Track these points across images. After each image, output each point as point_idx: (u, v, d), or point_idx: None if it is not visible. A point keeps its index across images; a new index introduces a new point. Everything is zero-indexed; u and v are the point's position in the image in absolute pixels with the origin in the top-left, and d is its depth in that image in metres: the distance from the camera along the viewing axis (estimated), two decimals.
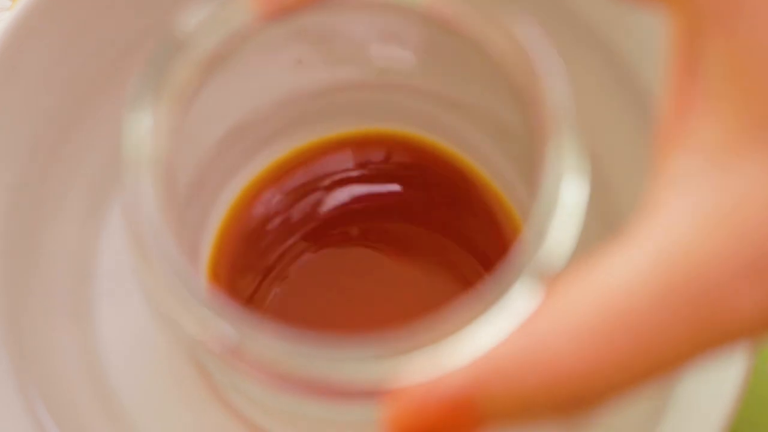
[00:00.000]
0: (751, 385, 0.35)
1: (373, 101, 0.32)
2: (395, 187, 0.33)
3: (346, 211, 0.32)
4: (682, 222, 0.20)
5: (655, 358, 0.20)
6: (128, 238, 0.23)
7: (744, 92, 0.20)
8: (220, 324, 0.22)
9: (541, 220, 0.22)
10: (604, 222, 0.31)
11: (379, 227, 0.32)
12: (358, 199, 0.32)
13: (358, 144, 0.32)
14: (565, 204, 0.22)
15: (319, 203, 0.32)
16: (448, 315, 0.21)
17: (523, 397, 0.21)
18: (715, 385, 0.28)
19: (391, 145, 0.32)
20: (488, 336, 0.21)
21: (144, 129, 0.24)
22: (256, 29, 0.25)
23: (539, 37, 0.23)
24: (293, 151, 0.32)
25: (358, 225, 0.32)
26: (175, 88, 0.24)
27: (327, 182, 0.32)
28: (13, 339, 0.30)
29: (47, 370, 0.31)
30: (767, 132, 0.20)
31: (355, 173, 0.32)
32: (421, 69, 0.30)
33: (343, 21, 0.29)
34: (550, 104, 0.23)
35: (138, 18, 0.31)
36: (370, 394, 0.21)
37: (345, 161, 0.32)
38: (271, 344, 0.21)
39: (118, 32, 0.31)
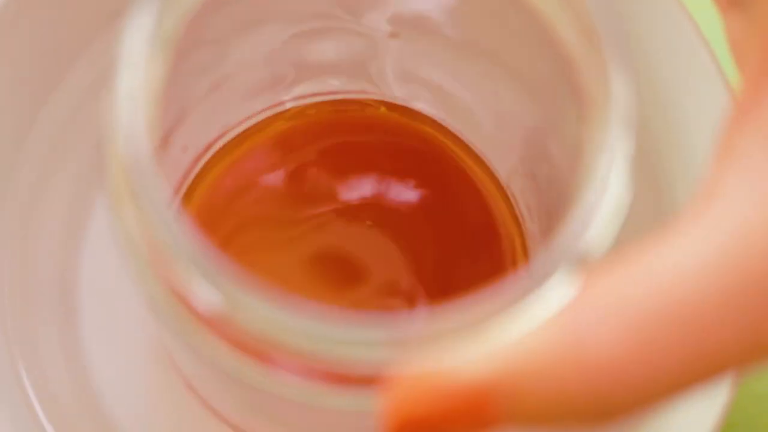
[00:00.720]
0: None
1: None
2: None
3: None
4: (749, 213, 0.18)
5: (707, 361, 0.18)
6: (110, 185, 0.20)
7: None
8: (206, 285, 0.19)
9: (586, 209, 0.19)
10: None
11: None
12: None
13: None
14: (612, 195, 0.20)
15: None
16: (474, 301, 0.18)
17: (557, 400, 0.17)
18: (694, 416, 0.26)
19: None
20: (518, 327, 0.18)
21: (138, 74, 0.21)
22: None
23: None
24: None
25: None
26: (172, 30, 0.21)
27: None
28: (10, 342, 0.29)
29: (33, 369, 0.29)
30: None
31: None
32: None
33: None
34: (608, 92, 0.20)
35: None
36: (371, 380, 0.18)
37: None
38: (264, 313, 0.18)
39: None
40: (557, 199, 0.26)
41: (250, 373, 0.20)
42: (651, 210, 0.29)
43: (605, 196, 0.20)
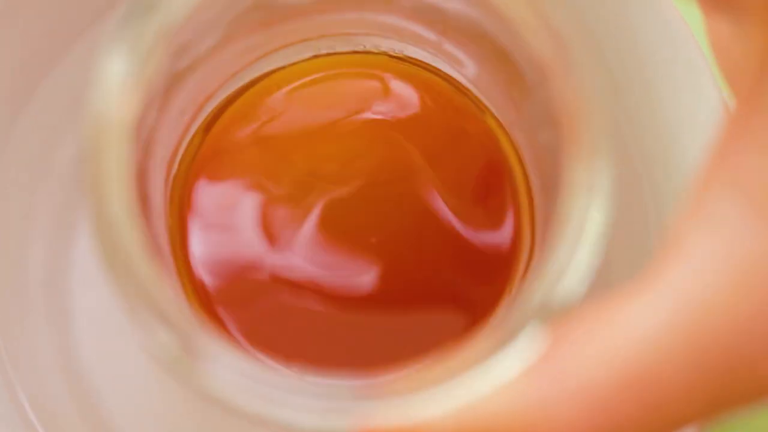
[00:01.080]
0: None
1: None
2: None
3: None
4: (711, 271, 0.18)
5: (667, 421, 0.18)
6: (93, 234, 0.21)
7: None
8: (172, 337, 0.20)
9: (557, 259, 0.20)
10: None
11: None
12: None
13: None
14: (587, 241, 0.20)
15: None
16: (440, 358, 0.19)
17: None
18: None
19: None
20: (487, 384, 0.19)
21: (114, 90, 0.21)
22: None
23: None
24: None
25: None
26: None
27: None
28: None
29: (24, 367, 0.30)
30: None
31: None
32: None
33: None
34: (585, 120, 0.20)
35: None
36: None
37: None
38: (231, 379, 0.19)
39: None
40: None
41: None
42: (641, 232, 0.29)
43: (579, 246, 0.20)
